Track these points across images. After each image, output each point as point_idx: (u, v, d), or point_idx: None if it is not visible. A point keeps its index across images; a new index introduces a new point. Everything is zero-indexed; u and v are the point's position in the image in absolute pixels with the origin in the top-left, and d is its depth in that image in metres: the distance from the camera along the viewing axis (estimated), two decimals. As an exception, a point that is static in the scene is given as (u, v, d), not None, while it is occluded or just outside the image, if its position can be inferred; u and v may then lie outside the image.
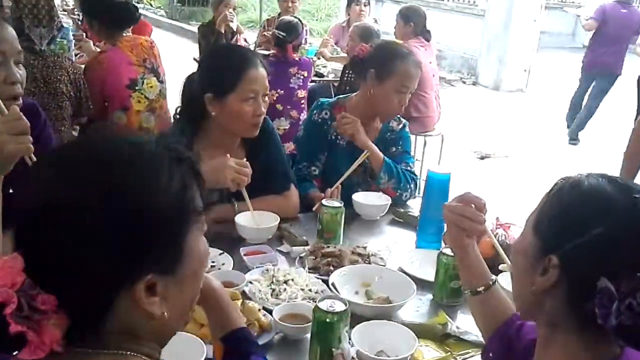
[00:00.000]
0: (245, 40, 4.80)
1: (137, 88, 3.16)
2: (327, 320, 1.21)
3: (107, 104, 3.23)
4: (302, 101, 3.91)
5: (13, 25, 2.79)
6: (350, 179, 2.17)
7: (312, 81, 4.35)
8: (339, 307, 1.23)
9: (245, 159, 1.85)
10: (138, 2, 14.97)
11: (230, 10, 4.71)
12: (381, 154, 2.19)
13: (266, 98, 1.90)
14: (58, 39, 3.94)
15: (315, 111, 2.32)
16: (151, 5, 15.10)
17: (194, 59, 4.90)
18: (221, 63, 1.92)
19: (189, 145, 1.88)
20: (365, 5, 5.27)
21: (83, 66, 3.34)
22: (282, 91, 3.78)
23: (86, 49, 4.08)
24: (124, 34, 3.19)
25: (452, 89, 8.72)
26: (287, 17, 3.85)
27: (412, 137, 4.60)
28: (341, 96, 2.45)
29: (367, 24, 4.12)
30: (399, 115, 2.40)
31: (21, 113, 1.37)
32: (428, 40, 4.47)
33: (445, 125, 4.80)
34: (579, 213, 0.85)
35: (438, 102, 4.56)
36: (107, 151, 0.75)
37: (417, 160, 4.68)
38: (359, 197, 2.07)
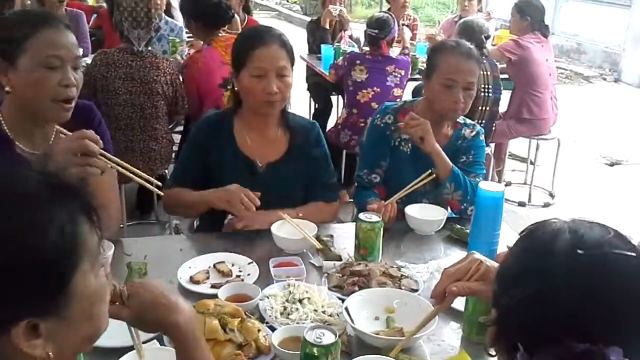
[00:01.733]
0: (351, 37, 4.73)
1: (229, 87, 3.23)
2: (314, 353, 1.13)
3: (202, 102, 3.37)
4: (399, 100, 3.78)
5: (119, 30, 3.03)
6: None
7: (417, 79, 4.19)
8: (328, 339, 1.14)
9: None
10: (275, -2, 15.58)
11: (335, 6, 4.67)
12: (449, 162, 2.03)
13: (288, 79, 1.90)
14: (170, 37, 4.19)
15: (378, 115, 2.21)
16: (287, 0, 15.54)
17: (301, 57, 4.94)
18: (237, 43, 2.01)
19: (229, 126, 1.99)
20: (469, 1, 4.97)
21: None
22: (378, 89, 3.69)
23: (197, 47, 4.25)
24: (220, 33, 3.30)
25: (590, 87, 7.97)
26: (377, 14, 3.74)
27: (525, 141, 4.36)
28: (408, 100, 2.31)
29: (471, 20, 3.86)
30: (473, 123, 2.23)
31: (87, 133, 1.44)
32: (546, 36, 4.14)
33: (571, 128, 4.42)
34: (519, 266, 0.71)
35: (554, 103, 4.19)
36: None
37: (536, 165, 4.36)
38: (412, 210, 1.93)
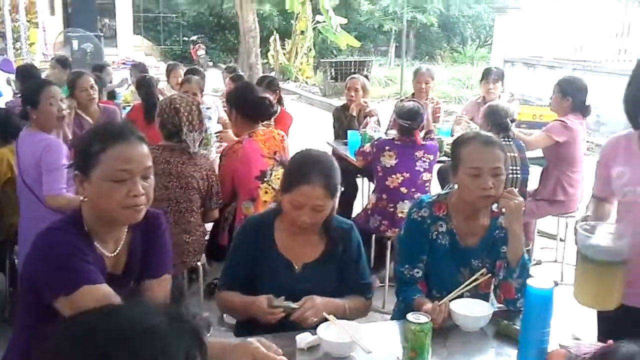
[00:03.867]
0: (378, 122, 4.85)
1: (265, 179, 3.32)
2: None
3: (236, 193, 3.44)
4: (427, 184, 3.82)
5: (171, 131, 3.15)
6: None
7: (442, 161, 4.24)
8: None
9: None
10: (295, 81, 16.12)
11: (352, 93, 4.82)
12: (523, 247, 2.03)
13: (323, 213, 2.03)
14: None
15: (414, 209, 2.23)
16: (307, 83, 16.03)
17: (328, 143, 5.05)
18: (289, 170, 2.12)
19: (270, 228, 2.11)
20: (494, 83, 5.08)
21: (218, 159, 3.61)
22: (408, 174, 3.73)
23: (227, 138, 4.37)
24: (261, 127, 3.41)
25: (614, 158, 7.95)
26: (408, 104, 3.81)
27: (554, 219, 4.33)
28: (442, 192, 2.33)
29: (496, 104, 3.94)
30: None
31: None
32: (585, 117, 4.15)
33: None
34: None
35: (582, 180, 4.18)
36: (106, 337, 0.80)
37: (566, 242, 4.31)
38: (456, 305, 1.91)
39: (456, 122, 4.91)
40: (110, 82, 6.63)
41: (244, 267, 2.09)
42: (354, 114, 4.82)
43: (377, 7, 22.07)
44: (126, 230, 1.74)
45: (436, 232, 2.19)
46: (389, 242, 3.77)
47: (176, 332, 0.79)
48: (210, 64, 19.08)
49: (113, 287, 1.62)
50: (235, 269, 2.12)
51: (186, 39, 20.77)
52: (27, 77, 4.62)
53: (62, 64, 5.85)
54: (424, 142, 3.80)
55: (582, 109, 4.07)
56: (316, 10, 16.68)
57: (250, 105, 3.36)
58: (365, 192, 5.07)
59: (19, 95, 4.45)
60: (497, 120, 3.77)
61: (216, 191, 3.30)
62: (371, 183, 4.96)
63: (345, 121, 4.93)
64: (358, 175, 4.84)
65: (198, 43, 19.34)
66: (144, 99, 4.67)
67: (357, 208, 4.92)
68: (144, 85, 4.75)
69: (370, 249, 3.93)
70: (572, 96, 4.03)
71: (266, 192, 3.32)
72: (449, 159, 4.22)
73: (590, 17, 10.90)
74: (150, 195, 1.65)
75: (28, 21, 12.47)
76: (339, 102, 12.76)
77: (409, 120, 3.69)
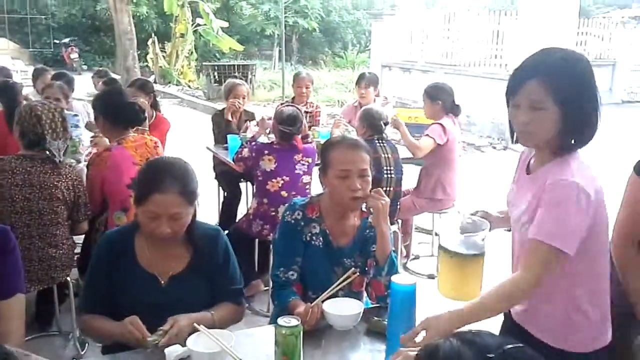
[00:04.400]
0: (256, 126, 4.82)
1: (138, 187, 3.18)
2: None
3: (106, 203, 3.27)
4: (307, 187, 3.86)
5: (32, 140, 2.92)
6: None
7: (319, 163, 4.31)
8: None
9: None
10: (177, 84, 15.72)
11: (239, 100, 4.78)
12: (390, 246, 2.10)
13: (181, 221, 1.94)
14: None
15: (288, 212, 2.24)
16: (189, 87, 15.69)
17: (208, 148, 4.96)
18: (139, 178, 2.04)
19: (130, 243, 2.01)
20: (367, 87, 5.27)
21: (85, 169, 3.41)
22: (288, 177, 3.75)
23: (101, 144, 4.13)
24: (131, 134, 3.26)
25: (481, 155, 8.54)
26: (288, 110, 3.82)
27: (429, 215, 4.55)
28: (314, 195, 2.37)
29: (370, 108, 4.08)
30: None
31: None
32: (457, 116, 4.38)
33: (470, 196, 4.65)
34: None
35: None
36: None
37: (436, 235, 4.54)
38: (328, 305, 1.94)
39: (335, 126, 5.01)
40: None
41: (105, 287, 1.98)
42: (230, 117, 4.77)
43: (259, 11, 22.10)
44: None
45: (310, 234, 2.22)
46: (272, 246, 3.75)
47: None
48: (85, 67, 18.14)
49: None
50: (96, 290, 2.00)
51: (57, 41, 19.56)
52: None
53: None
54: (302, 146, 3.83)
55: (453, 109, 4.33)
56: (196, 13, 16.39)
57: (117, 110, 3.21)
58: (249, 198, 5.04)
59: None
60: (372, 122, 3.89)
61: (84, 202, 3.12)
62: (254, 187, 4.95)
63: (223, 126, 4.86)
64: (241, 180, 4.79)
65: (70, 46, 18.30)
66: (6, 106, 4.32)
67: (242, 212, 4.88)
68: (7, 91, 4.39)
69: (254, 254, 3.91)
70: (440, 99, 4.26)
71: None
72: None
73: (459, 24, 11.64)
74: None
75: None
76: (223, 105, 12.67)
77: (289, 126, 3.72)
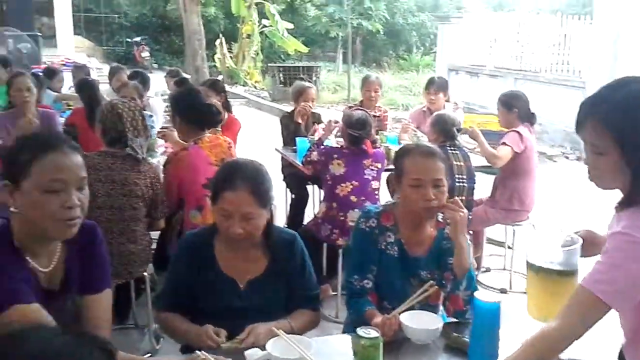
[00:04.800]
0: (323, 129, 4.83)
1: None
2: None
3: (182, 201, 3.35)
4: (376, 192, 3.83)
5: (114, 138, 3.02)
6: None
7: (390, 169, 4.26)
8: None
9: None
10: (244, 85, 15.98)
11: (309, 103, 4.80)
12: (468, 260, 2.03)
13: (254, 221, 1.95)
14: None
15: (362, 219, 2.22)
16: (255, 87, 15.93)
17: (276, 150, 5.00)
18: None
19: (210, 247, 2.04)
20: (436, 93, 5.17)
21: (162, 166, 3.50)
22: (357, 182, 3.72)
23: (171, 139, 4.22)
24: (207, 134, 3.33)
25: (553, 165, 8.25)
26: (357, 114, 3.80)
27: (502, 227, 4.42)
28: (388, 203, 2.33)
29: (442, 114, 4.00)
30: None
31: None
32: (533, 124, 4.25)
33: (544, 208, 4.48)
34: None
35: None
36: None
37: (509, 248, 4.41)
38: (407, 318, 1.90)
39: (402, 130, 4.96)
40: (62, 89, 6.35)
41: (184, 288, 2.01)
42: (299, 120, 4.79)
43: (324, 13, 22.20)
44: (60, 244, 1.65)
45: (385, 243, 2.18)
46: (340, 251, 3.75)
47: (86, 353, 0.81)
48: (155, 66, 18.72)
49: (51, 304, 1.55)
50: (175, 290, 2.04)
51: (129, 40, 20.28)
52: None
53: (2, 63, 5.57)
54: (372, 150, 3.81)
55: (529, 118, 4.18)
56: (262, 15, 16.63)
57: (196, 112, 3.28)
58: (316, 200, 5.05)
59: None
60: (444, 128, 3.82)
61: (161, 200, 3.20)
62: (321, 191, 4.96)
63: (292, 128, 4.89)
64: (309, 183, 4.81)
65: (142, 45, 18.93)
66: (87, 103, 4.50)
67: (309, 215, 4.90)
68: (86, 88, 4.57)
69: (322, 258, 3.91)
70: (516, 107, 4.13)
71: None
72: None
73: (529, 28, 11.30)
74: (85, 208, 1.58)
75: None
76: (289, 107, 12.80)
77: (358, 130, 3.70)
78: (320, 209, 3.95)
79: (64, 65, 9.89)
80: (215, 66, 16.41)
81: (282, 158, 5.00)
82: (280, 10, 17.87)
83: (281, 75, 14.57)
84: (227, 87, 14.13)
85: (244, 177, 1.91)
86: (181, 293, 2.02)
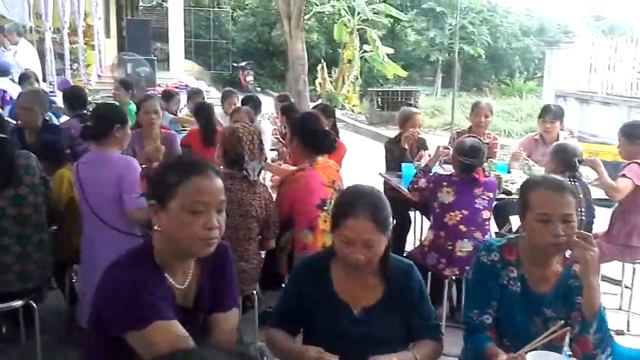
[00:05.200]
0: (430, 155, 4.78)
1: (324, 208, 3.32)
2: None
3: (292, 221, 3.44)
4: (487, 222, 3.73)
5: (233, 160, 3.17)
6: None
7: (499, 199, 4.14)
8: None
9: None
10: (342, 109, 16.19)
11: (417, 130, 4.78)
12: (599, 300, 1.92)
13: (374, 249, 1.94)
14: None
15: (483, 252, 2.16)
16: (352, 111, 16.09)
17: (380, 175, 5.01)
18: (337, 204, 2.08)
19: (326, 270, 2.06)
20: (552, 121, 4.97)
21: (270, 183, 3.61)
22: (467, 212, 3.64)
23: (276, 171, 4.31)
24: (319, 157, 3.42)
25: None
26: (469, 141, 3.73)
27: (618, 264, 4.15)
28: (511, 236, 2.25)
29: (564, 144, 3.84)
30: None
31: None
32: None
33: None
34: None
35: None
36: None
37: (626, 287, 4.14)
38: (534, 357, 1.83)
39: (513, 158, 4.81)
40: (178, 111, 6.73)
41: (296, 308, 2.04)
42: (406, 146, 4.77)
43: (424, 37, 22.15)
44: (194, 262, 1.74)
45: (507, 278, 2.11)
46: (446, 281, 3.67)
47: None
48: (259, 89, 19.39)
49: (184, 320, 1.61)
50: (288, 309, 2.07)
51: (235, 64, 21.20)
52: (73, 99, 4.69)
53: (125, 86, 6.00)
54: (483, 179, 3.72)
55: None
56: (363, 40, 16.84)
57: (314, 137, 3.37)
58: (418, 226, 5.00)
59: (74, 116, 4.54)
60: (565, 159, 3.66)
61: (274, 220, 3.29)
62: (424, 217, 4.89)
63: (397, 154, 4.88)
64: (411, 209, 4.77)
65: (247, 69, 19.71)
66: (203, 125, 4.74)
67: (409, 241, 4.86)
68: (204, 111, 4.82)
69: (426, 286, 3.83)
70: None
71: (325, 221, 3.29)
72: (507, 196, 4.22)
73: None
74: (223, 230, 1.65)
75: (85, 43, 12.92)
76: (385, 131, 12.87)
77: (471, 157, 3.62)
78: (427, 237, 3.90)
79: (177, 88, 10.48)
80: (315, 90, 16.76)
81: (385, 183, 4.99)
82: (380, 35, 18.03)
83: (379, 99, 14.63)
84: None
85: (365, 204, 1.92)
86: (293, 313, 2.05)
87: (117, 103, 5.81)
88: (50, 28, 10.67)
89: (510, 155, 4.95)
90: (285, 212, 3.34)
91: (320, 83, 16.39)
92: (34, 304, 3.12)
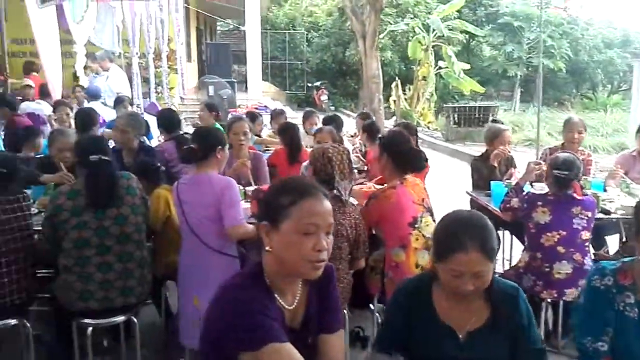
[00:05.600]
0: (519, 173, 4.63)
1: (416, 226, 3.29)
2: None
3: (378, 240, 3.41)
4: (587, 243, 3.56)
5: (323, 180, 3.20)
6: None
7: (597, 219, 3.94)
8: None
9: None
10: (417, 126, 16.06)
11: (507, 147, 4.65)
12: None
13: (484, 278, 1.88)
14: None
15: (596, 277, 2.05)
16: (428, 128, 15.91)
17: (467, 193, 4.90)
18: (439, 234, 2.00)
19: (428, 293, 2.01)
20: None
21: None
22: (565, 232, 3.49)
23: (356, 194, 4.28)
24: (409, 175, 3.41)
25: None
26: (563, 155, 3.60)
27: None
28: (626, 259, 2.13)
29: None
30: None
31: None
32: None
33: None
34: None
35: None
36: None
37: None
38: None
39: (610, 176, 4.57)
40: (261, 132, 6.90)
41: (401, 334, 2.01)
42: (495, 164, 4.64)
43: (500, 52, 21.70)
44: (301, 283, 1.74)
45: (623, 304, 2.00)
46: (543, 304, 3.52)
47: None
48: (332, 108, 19.58)
49: (293, 342, 1.61)
50: (392, 334, 2.05)
51: (309, 84, 21.54)
52: (169, 122, 4.82)
53: (209, 108, 6.20)
54: (580, 197, 3.55)
55: None
56: (438, 56, 16.68)
57: (405, 156, 3.36)
58: (507, 245, 4.84)
59: (169, 139, 4.70)
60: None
61: (363, 240, 3.28)
62: (514, 236, 4.74)
63: (486, 172, 4.76)
64: (500, 228, 4.62)
65: (321, 89, 19.98)
66: (288, 144, 4.82)
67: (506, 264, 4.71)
68: (289, 130, 4.91)
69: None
70: None
71: (417, 239, 3.28)
72: (605, 215, 4.01)
73: None
74: (330, 252, 1.65)
75: (169, 67, 13.54)
76: (463, 147, 12.63)
77: (566, 170, 3.48)
78: (521, 258, 3.75)
79: (257, 109, 10.75)
80: (389, 107, 16.73)
81: (472, 201, 4.88)
82: (455, 51, 17.80)
83: (456, 115, 14.42)
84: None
85: (473, 236, 1.85)
86: (397, 338, 2.02)
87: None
88: (137, 53, 11.28)
89: (607, 173, 4.70)
90: (371, 227, 3.31)
91: (394, 101, 16.33)
92: (135, 319, 3.25)
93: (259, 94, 15.93)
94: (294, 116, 10.52)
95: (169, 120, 4.73)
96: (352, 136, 6.89)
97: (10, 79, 8.07)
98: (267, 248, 1.65)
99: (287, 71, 22.24)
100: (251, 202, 3.63)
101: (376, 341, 2.18)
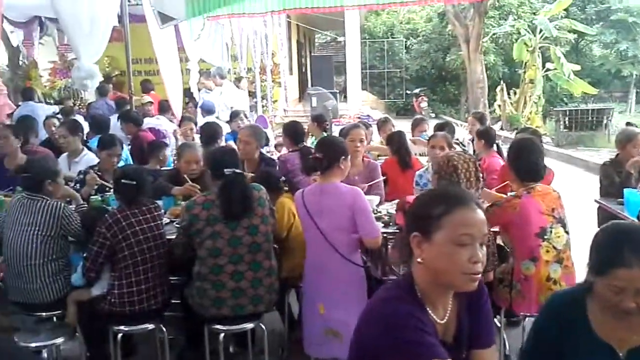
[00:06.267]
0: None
1: (545, 237, 3.19)
2: None
3: (506, 252, 3.28)
4: None
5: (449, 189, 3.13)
6: None
7: None
8: None
9: None
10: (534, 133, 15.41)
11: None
12: None
13: None
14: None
15: None
16: (536, 133, 15.25)
17: (596, 201, 4.61)
18: (601, 247, 1.87)
19: (582, 309, 1.88)
20: None
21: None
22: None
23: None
24: (538, 184, 3.33)
25: None
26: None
27: None
28: None
29: None
30: None
31: None
32: None
33: None
34: None
35: None
36: None
37: None
38: None
39: None
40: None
41: (553, 352, 1.91)
42: (632, 170, 4.33)
43: (612, 51, 20.46)
44: (452, 296, 1.69)
45: None
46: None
47: None
48: (432, 115, 19.28)
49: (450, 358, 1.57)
50: (542, 351, 1.95)
51: (409, 92, 21.35)
52: (296, 135, 4.91)
53: (317, 120, 6.27)
54: None
55: None
56: (545, 58, 15.97)
57: (529, 166, 3.32)
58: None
59: (293, 151, 4.80)
60: None
61: (492, 252, 3.18)
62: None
63: (616, 178, 4.45)
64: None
65: (421, 95, 19.72)
66: (396, 152, 4.80)
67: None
68: (396, 140, 4.89)
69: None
70: None
71: (547, 251, 3.18)
72: None
73: None
74: (484, 264, 1.58)
75: (273, 80, 13.93)
76: (576, 152, 11.95)
77: None
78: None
79: (359, 118, 10.79)
80: (493, 111, 16.22)
81: (599, 209, 4.58)
82: (564, 52, 16.97)
83: (566, 119, 13.71)
84: (508, 134, 13.90)
85: (636, 249, 1.73)
86: (547, 352, 1.92)
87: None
88: (244, 68, 11.68)
89: None
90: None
91: (499, 105, 15.81)
92: (263, 326, 3.33)
93: (358, 103, 16.00)
94: (394, 124, 10.44)
95: (296, 133, 4.82)
96: (457, 143, 6.69)
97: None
98: (418, 260, 1.61)
99: (386, 79, 22.20)
100: (396, 213, 3.62)
101: (524, 351, 2.08)
